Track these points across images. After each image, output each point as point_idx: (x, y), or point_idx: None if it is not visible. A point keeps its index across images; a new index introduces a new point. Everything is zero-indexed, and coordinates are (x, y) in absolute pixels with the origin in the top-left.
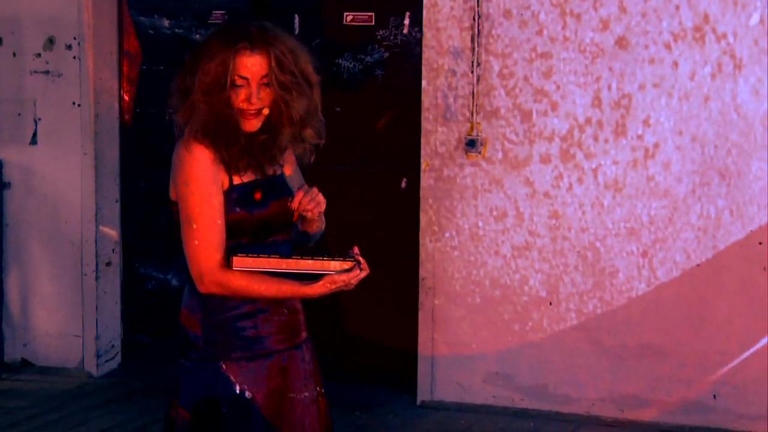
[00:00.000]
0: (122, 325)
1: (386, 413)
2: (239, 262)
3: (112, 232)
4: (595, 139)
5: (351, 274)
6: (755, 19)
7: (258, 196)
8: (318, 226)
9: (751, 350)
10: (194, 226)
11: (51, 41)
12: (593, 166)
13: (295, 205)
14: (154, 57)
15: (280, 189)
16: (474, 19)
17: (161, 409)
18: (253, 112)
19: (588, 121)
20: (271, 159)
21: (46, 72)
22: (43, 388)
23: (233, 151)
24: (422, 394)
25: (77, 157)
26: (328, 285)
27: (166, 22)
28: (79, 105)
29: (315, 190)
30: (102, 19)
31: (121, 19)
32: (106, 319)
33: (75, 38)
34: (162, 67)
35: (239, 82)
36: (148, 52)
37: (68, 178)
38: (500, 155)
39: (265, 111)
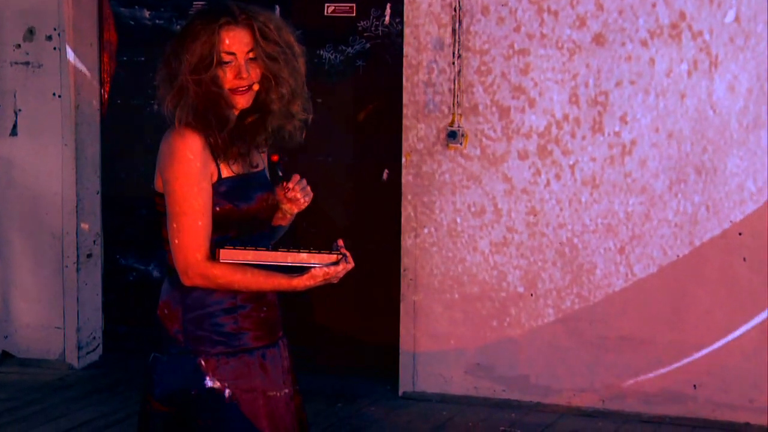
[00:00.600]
0: (103, 317)
1: (369, 404)
2: (226, 254)
3: (93, 224)
4: (573, 135)
5: (337, 268)
6: (731, 16)
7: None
8: (289, 220)
9: (729, 338)
10: (181, 219)
11: (31, 32)
12: (570, 163)
13: (291, 185)
14: (134, 48)
15: (264, 183)
16: (455, 10)
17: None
18: (244, 87)
19: (565, 117)
20: (262, 142)
21: (26, 63)
22: (24, 380)
23: (224, 136)
24: (404, 386)
25: (58, 149)
26: (314, 278)
27: (147, 13)
28: (59, 96)
29: (305, 180)
30: (82, 11)
31: (101, 10)
32: (87, 311)
33: (55, 29)
34: (143, 59)
35: (226, 58)
36: (129, 44)
37: (49, 170)
38: (478, 151)
39: (256, 86)
